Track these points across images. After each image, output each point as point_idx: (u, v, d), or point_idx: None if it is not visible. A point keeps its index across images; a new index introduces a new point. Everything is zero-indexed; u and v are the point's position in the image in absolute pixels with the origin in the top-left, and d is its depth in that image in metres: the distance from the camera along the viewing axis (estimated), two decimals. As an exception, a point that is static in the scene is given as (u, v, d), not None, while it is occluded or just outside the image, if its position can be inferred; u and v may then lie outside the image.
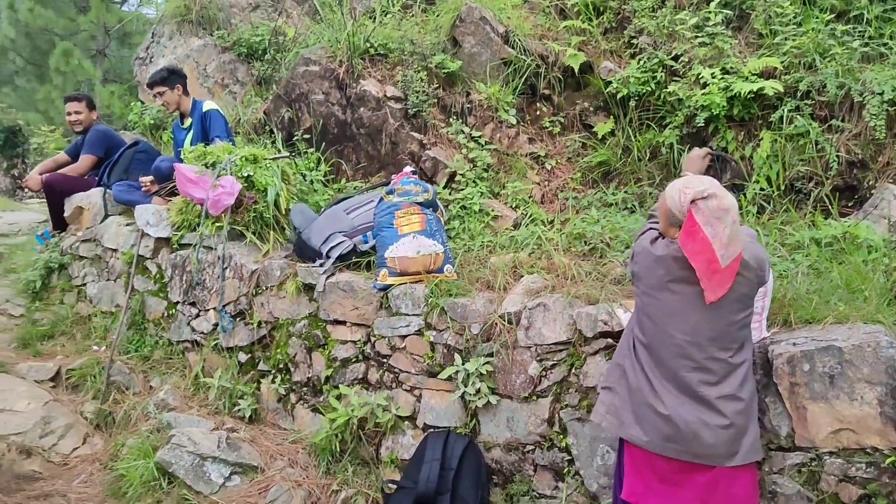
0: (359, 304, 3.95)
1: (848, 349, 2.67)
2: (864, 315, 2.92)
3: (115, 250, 5.19)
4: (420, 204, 3.95)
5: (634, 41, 5.13)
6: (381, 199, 4.06)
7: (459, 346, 3.60)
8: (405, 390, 3.80)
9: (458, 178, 4.89)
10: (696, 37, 4.65)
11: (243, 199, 4.47)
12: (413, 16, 5.84)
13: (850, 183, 4.06)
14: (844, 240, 3.54)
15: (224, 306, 4.47)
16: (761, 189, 4.14)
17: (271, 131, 5.61)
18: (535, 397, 3.41)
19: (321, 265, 4.13)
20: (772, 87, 4.12)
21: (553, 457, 3.35)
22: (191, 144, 5.08)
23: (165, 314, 4.84)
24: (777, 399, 2.82)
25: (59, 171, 5.86)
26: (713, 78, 4.35)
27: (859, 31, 4.33)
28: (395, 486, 3.46)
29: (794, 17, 4.48)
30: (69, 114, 5.92)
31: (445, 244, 3.91)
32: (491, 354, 3.51)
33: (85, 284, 5.43)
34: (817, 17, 4.41)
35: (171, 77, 5.26)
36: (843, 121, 4.06)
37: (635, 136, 4.81)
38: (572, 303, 3.39)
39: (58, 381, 4.72)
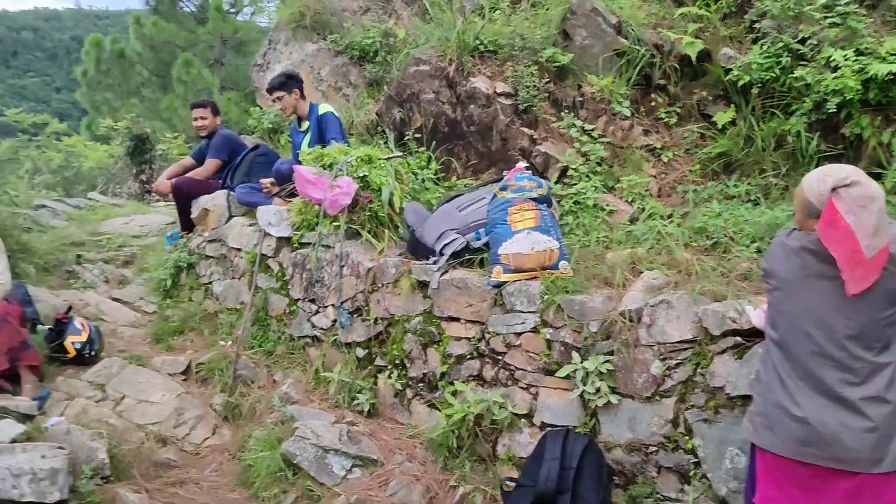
0: (473, 301, 3.96)
1: None
2: None
3: (239, 250, 5.43)
4: (534, 200, 3.92)
5: (756, 25, 4.88)
6: (495, 195, 4.06)
7: (577, 343, 3.55)
8: (521, 388, 3.78)
9: (570, 172, 4.82)
10: (826, 17, 4.37)
11: (359, 199, 4.58)
12: (522, 11, 5.80)
13: None
14: None
15: (342, 303, 4.59)
16: (902, 178, 3.85)
17: (383, 132, 5.72)
18: (658, 397, 3.31)
19: (435, 262, 4.17)
20: (914, 67, 3.82)
21: (678, 458, 3.24)
22: (308, 147, 5.26)
23: (287, 311, 5.02)
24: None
25: (186, 175, 6.17)
26: (845, 60, 4.07)
27: None
28: (513, 484, 3.45)
29: (938, -10, 4.15)
30: (195, 119, 6.23)
31: (560, 240, 3.86)
32: (611, 353, 3.44)
33: (211, 282, 5.71)
34: (966, -11, 4.06)
35: (289, 82, 5.45)
36: None
37: (758, 125, 4.57)
38: (697, 300, 3.26)
39: (188, 375, 5.01)
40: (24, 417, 3.98)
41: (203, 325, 5.55)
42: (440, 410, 3.96)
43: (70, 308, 5.25)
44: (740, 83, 4.61)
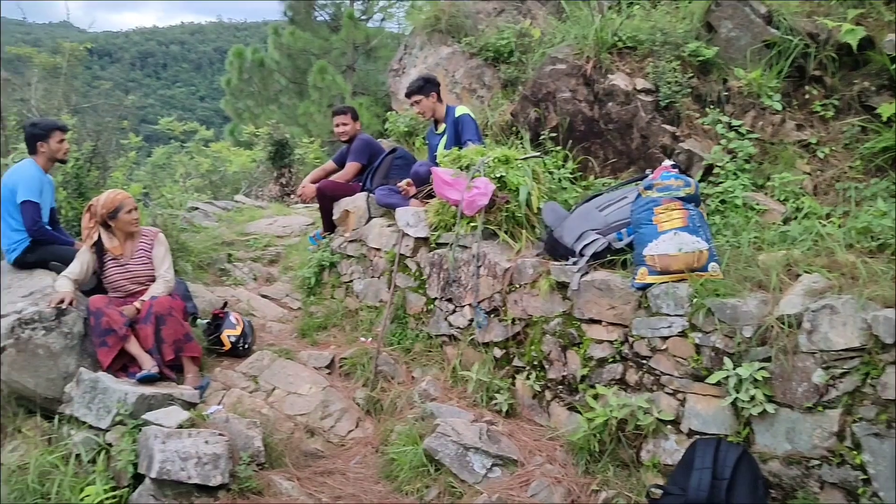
0: (615, 304, 3.88)
1: None
2: None
3: (378, 250, 5.60)
4: (681, 199, 3.79)
5: (927, 8, 4.51)
6: (639, 194, 3.96)
7: (729, 349, 3.40)
8: (667, 393, 3.67)
9: (715, 170, 4.63)
10: None
11: (496, 200, 4.60)
12: (663, 5, 5.63)
13: None
14: None
15: (479, 303, 4.63)
16: None
17: (518, 132, 5.72)
18: (820, 408, 3.11)
19: (575, 263, 4.12)
20: None
21: (844, 474, 3.03)
22: (445, 148, 5.34)
23: (424, 309, 5.13)
24: None
25: (328, 179, 6.44)
26: None
27: None
28: (660, 492, 3.35)
29: None
30: (336, 125, 6.50)
31: (710, 241, 3.71)
32: (767, 359, 3.26)
33: (352, 281, 5.92)
34: None
35: (426, 86, 5.57)
36: None
37: (930, 117, 4.22)
38: (865, 305, 3.04)
39: (332, 369, 5.20)
40: (188, 405, 4.28)
41: (345, 321, 5.76)
42: (581, 413, 3.91)
43: (226, 303, 5.61)
44: (908, 71, 4.27)
